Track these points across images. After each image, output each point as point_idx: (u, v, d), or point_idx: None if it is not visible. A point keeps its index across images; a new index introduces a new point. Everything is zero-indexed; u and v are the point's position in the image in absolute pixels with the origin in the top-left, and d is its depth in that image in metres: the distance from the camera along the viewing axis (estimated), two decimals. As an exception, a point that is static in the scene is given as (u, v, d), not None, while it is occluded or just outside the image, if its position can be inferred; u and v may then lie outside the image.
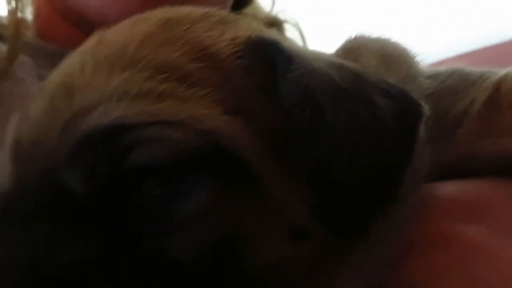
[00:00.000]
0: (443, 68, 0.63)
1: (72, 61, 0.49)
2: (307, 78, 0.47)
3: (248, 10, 0.99)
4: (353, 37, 0.62)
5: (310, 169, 0.44)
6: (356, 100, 0.47)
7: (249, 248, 0.45)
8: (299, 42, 1.02)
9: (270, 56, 0.48)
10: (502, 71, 0.60)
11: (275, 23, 1.01)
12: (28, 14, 0.84)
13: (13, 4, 0.78)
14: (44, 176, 0.44)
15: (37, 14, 0.86)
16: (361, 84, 0.49)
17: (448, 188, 0.54)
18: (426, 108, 0.49)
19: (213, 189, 0.44)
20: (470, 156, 0.55)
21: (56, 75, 0.49)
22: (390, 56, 0.59)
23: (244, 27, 0.52)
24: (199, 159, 0.44)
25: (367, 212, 0.45)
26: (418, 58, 0.62)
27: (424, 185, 0.54)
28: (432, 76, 0.61)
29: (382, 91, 0.48)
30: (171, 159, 0.43)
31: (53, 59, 0.61)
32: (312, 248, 0.46)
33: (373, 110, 0.47)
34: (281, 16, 1.02)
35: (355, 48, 0.60)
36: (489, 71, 0.61)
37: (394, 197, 0.46)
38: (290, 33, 1.03)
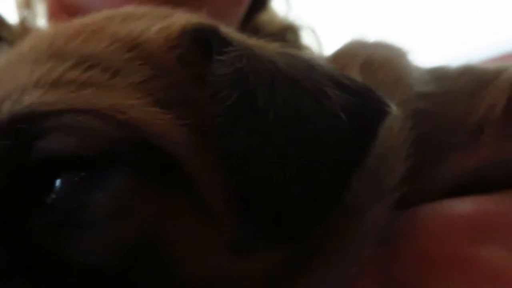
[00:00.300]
0: (452, 66, 0.59)
1: (1, 59, 0.47)
2: (242, 61, 0.42)
3: (263, 16, 0.98)
4: (348, 42, 0.59)
5: (231, 160, 0.40)
6: (301, 89, 0.42)
7: (175, 256, 0.40)
8: (316, 48, 1.00)
9: (206, 42, 0.44)
10: None
11: (291, 29, 1.00)
12: (40, 22, 0.84)
13: (23, 13, 0.79)
14: None
15: (51, 22, 0.86)
16: (311, 74, 0.44)
17: (466, 205, 0.50)
18: (392, 108, 0.44)
19: (129, 183, 0.39)
20: (494, 163, 0.52)
21: None
22: (374, 62, 0.55)
23: (179, 17, 0.48)
24: (118, 151, 0.39)
25: (299, 214, 0.40)
26: (411, 58, 0.58)
27: (440, 202, 0.50)
28: (441, 75, 0.57)
29: (337, 84, 0.44)
30: (85, 149, 0.39)
31: None
32: (261, 265, 0.41)
33: (320, 101, 0.42)
34: (297, 22, 1.01)
35: (345, 54, 0.57)
36: (502, 67, 0.57)
37: (337, 200, 0.41)
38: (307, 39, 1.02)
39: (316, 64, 0.46)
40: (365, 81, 0.51)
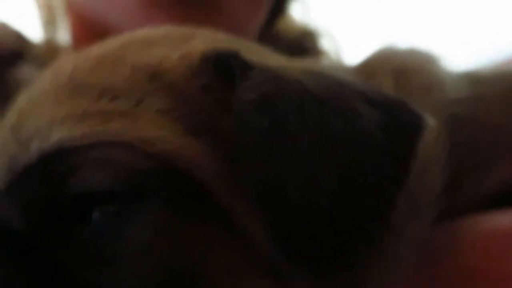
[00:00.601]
0: (485, 70, 0.58)
1: (22, 97, 0.47)
2: (268, 85, 0.41)
3: (281, 23, 0.98)
4: (378, 49, 0.57)
5: (265, 189, 0.38)
6: (332, 109, 0.41)
7: (212, 287, 0.39)
8: (334, 54, 1.00)
9: (228, 68, 0.43)
10: None
11: (309, 35, 1.00)
12: (64, 39, 0.84)
13: (48, 31, 0.79)
14: None
15: (74, 40, 0.86)
16: (341, 93, 0.43)
17: (510, 218, 0.49)
18: (430, 121, 0.43)
19: (161, 216, 0.39)
20: None
21: (9, 114, 0.47)
22: (406, 69, 0.53)
23: (198, 43, 0.47)
24: (149, 184, 0.39)
25: (341, 242, 0.38)
26: (444, 65, 0.56)
27: (482, 215, 0.49)
28: (475, 80, 0.55)
29: (369, 101, 0.42)
30: (116, 184, 0.39)
31: None
32: None
33: (352, 120, 0.41)
34: (315, 28, 1.01)
35: (375, 61, 0.55)
36: None
37: (381, 225, 0.39)
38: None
39: (345, 81, 0.45)
40: (398, 88, 0.50)
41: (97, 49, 0.48)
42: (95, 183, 0.39)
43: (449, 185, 0.47)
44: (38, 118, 0.43)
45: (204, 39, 0.48)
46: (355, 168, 0.39)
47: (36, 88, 0.46)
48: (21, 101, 0.47)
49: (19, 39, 0.82)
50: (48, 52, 0.79)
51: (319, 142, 0.40)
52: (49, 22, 0.82)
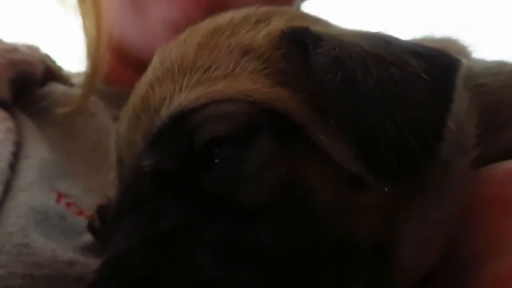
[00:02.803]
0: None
1: (141, 81, 0.62)
2: (336, 50, 0.54)
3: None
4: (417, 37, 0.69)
5: (349, 123, 0.51)
6: (387, 62, 0.54)
7: (309, 193, 0.53)
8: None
9: (302, 40, 0.56)
10: None
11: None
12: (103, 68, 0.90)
13: (90, 61, 0.88)
14: (136, 169, 0.56)
15: (108, 68, 0.93)
16: (391, 48, 0.56)
17: None
18: (463, 62, 0.55)
19: (270, 145, 0.53)
20: None
21: (131, 98, 0.62)
22: (443, 42, 0.66)
23: (276, 24, 0.61)
24: (256, 123, 0.53)
25: (410, 155, 0.50)
26: (475, 55, 0.70)
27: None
28: (497, 71, 0.67)
29: (414, 52, 0.55)
30: (230, 129, 0.53)
31: (116, 99, 0.73)
32: (372, 197, 0.53)
33: (404, 67, 0.53)
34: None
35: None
36: None
37: (438, 142, 0.51)
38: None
39: (393, 38, 0.58)
40: None
41: (192, 36, 0.62)
42: (215, 132, 0.54)
43: (480, 138, 0.60)
44: (162, 91, 0.57)
45: (280, 19, 0.62)
46: (412, 102, 0.52)
47: (152, 70, 0.61)
48: (141, 87, 0.61)
49: (50, 61, 0.93)
50: (87, 78, 0.88)
51: (382, 84, 0.52)
52: (94, 51, 0.89)
